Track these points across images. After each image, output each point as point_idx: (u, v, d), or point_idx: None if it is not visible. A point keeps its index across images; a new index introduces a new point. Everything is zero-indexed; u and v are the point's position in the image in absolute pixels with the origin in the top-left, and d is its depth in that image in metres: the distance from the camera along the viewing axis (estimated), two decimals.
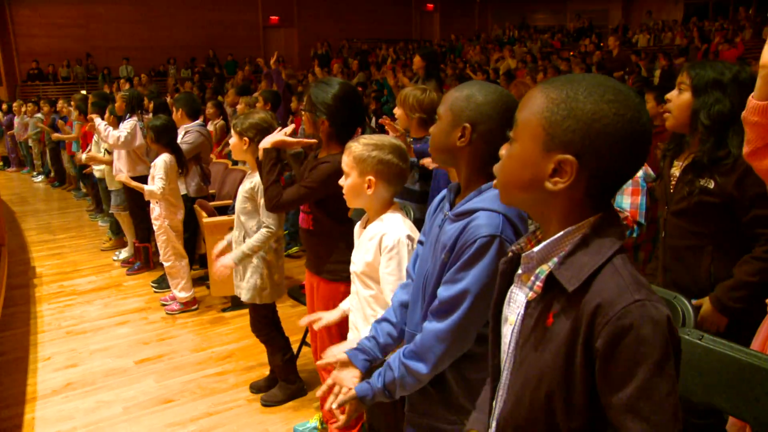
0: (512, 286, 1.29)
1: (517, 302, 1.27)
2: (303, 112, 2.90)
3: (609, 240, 1.12)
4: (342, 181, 2.32)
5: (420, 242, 1.98)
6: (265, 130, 3.20)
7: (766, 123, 1.57)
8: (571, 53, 15.79)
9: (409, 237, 2.22)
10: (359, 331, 2.38)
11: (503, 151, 1.21)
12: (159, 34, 21.11)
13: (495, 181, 1.24)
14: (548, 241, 1.17)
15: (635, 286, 1.07)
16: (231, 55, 21.23)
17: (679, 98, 2.24)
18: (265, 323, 3.58)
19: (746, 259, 2.16)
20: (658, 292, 2.16)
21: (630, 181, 2.81)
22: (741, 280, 2.14)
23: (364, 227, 2.38)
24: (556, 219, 1.17)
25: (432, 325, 1.71)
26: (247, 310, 4.60)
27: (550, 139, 1.11)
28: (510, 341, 1.27)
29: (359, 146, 2.26)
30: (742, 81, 2.16)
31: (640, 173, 2.82)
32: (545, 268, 1.16)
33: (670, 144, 2.38)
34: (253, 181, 3.35)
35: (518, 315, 1.24)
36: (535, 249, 1.18)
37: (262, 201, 3.25)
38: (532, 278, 1.19)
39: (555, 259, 1.15)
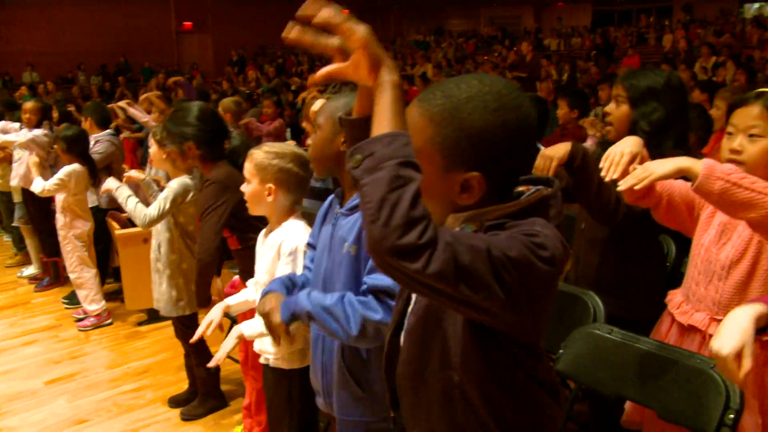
0: None
1: None
2: (166, 148, 2.95)
3: (537, 216, 1.12)
4: (244, 188, 2.34)
5: (312, 246, 2.01)
6: (174, 110, 3.20)
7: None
8: (485, 57, 16.13)
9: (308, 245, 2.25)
10: (264, 344, 2.40)
11: None
12: (67, 39, 20.26)
13: None
14: (477, 211, 1.15)
15: (545, 227, 1.07)
16: (147, 62, 20.57)
17: (618, 110, 2.31)
18: (191, 335, 3.49)
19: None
20: (568, 289, 2.24)
21: None
22: (598, 174, 2.01)
23: (267, 236, 2.40)
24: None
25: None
26: (164, 323, 4.52)
27: (448, 162, 1.11)
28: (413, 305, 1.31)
29: (261, 154, 2.30)
30: (673, 86, 2.25)
31: None
32: (472, 226, 1.14)
33: (606, 146, 2.44)
34: (170, 186, 3.30)
35: None
36: (462, 214, 1.16)
37: (162, 194, 3.27)
38: (457, 230, 1.18)
39: (481, 223, 1.13)
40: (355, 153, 1.01)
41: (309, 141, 1.94)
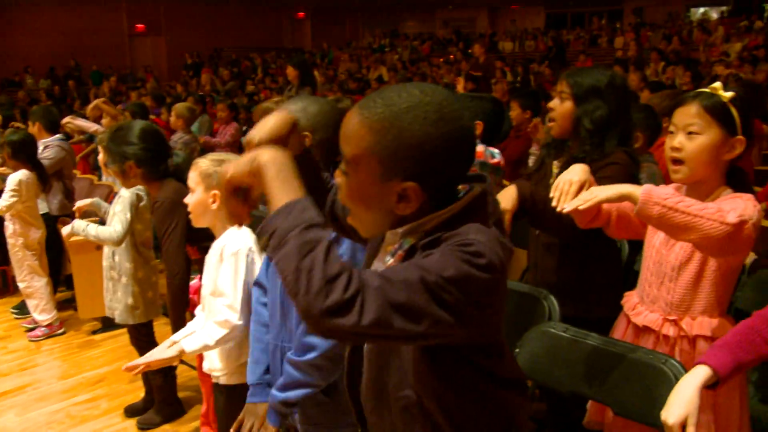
0: (375, 260, 1.31)
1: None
2: (109, 168, 2.96)
3: (475, 219, 1.12)
4: (188, 199, 2.33)
5: (261, 286, 2.07)
6: (115, 128, 3.13)
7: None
8: (441, 60, 16.24)
9: (251, 249, 2.26)
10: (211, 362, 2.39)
11: (339, 180, 1.20)
12: (13, 41, 19.76)
13: (348, 218, 1.23)
14: (413, 224, 1.16)
15: (481, 233, 1.08)
16: (100, 64, 20.14)
17: (561, 107, 2.32)
18: (147, 341, 3.45)
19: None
20: (523, 289, 2.27)
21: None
22: (546, 204, 2.06)
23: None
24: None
25: None
26: (119, 331, 4.43)
27: (387, 170, 1.11)
28: None
29: (206, 162, 2.31)
30: (617, 85, 2.28)
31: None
32: (411, 240, 1.17)
33: (551, 145, 2.46)
34: (121, 195, 3.26)
35: None
36: (400, 229, 1.19)
37: (117, 208, 3.23)
38: (395, 246, 1.20)
39: (420, 234, 1.15)
40: (261, 236, 1.02)
41: None
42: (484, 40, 18.11)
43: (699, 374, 1.51)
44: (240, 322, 2.21)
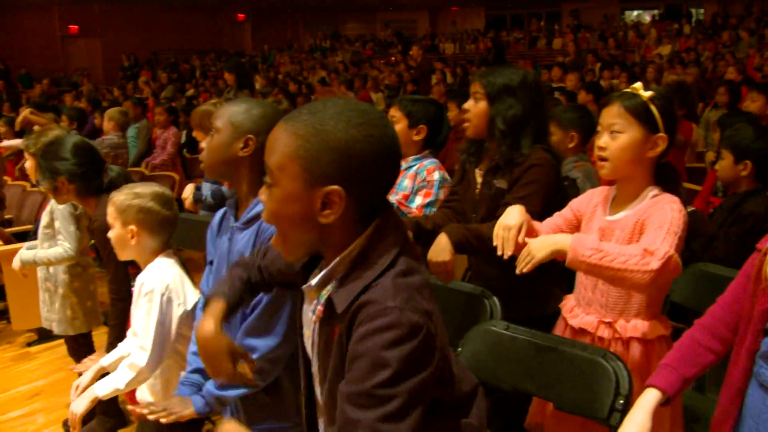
0: (304, 303, 1.33)
1: (307, 318, 1.30)
2: (40, 184, 2.86)
3: (385, 249, 1.15)
4: (110, 233, 2.26)
5: (210, 262, 2.01)
6: (47, 143, 3.03)
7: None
8: (382, 61, 16.29)
9: (168, 287, 2.20)
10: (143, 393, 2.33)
11: (263, 197, 1.21)
12: None
13: (274, 239, 1.23)
14: (323, 273, 1.20)
15: (397, 292, 1.10)
16: (30, 67, 19.43)
17: (476, 107, 2.35)
18: (86, 352, 3.35)
19: (492, 225, 2.14)
20: (465, 288, 2.28)
21: (426, 183, 2.92)
22: (482, 235, 2.16)
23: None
24: (332, 248, 1.19)
25: None
26: (56, 342, 4.30)
27: (310, 175, 1.12)
28: (312, 353, 1.30)
29: (121, 195, 2.23)
30: (529, 84, 2.31)
31: (436, 176, 2.92)
32: (325, 293, 1.20)
33: (469, 149, 2.48)
34: (55, 209, 3.17)
35: (312, 330, 1.28)
36: (313, 282, 1.21)
37: (57, 224, 3.12)
38: (315, 301, 1.23)
39: (334, 282, 1.18)
40: None
41: (203, 145, 1.90)
42: (424, 41, 18.26)
43: (649, 398, 1.57)
44: (148, 365, 2.14)
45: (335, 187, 1.11)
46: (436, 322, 1.15)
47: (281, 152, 1.14)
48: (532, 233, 1.95)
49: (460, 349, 2.02)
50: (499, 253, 1.88)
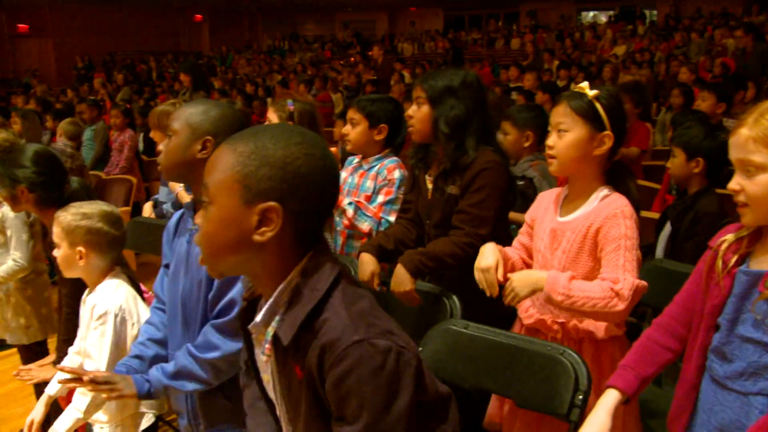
0: (255, 348, 1.32)
1: (261, 361, 1.30)
2: None
3: (321, 279, 1.15)
4: (55, 253, 2.21)
5: (165, 265, 1.98)
6: (7, 149, 2.97)
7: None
8: (341, 62, 16.25)
9: (121, 308, 2.17)
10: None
11: (199, 220, 1.19)
12: None
13: (201, 257, 1.21)
14: (266, 308, 1.18)
15: (354, 324, 1.10)
16: None
17: (419, 111, 2.34)
18: (40, 359, 3.28)
19: (447, 241, 2.26)
20: (424, 287, 2.29)
21: (387, 181, 2.91)
22: (438, 255, 2.23)
23: (85, 298, 2.29)
24: (269, 276, 1.18)
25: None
26: (8, 351, 4.18)
27: (248, 191, 1.11)
28: (275, 397, 1.30)
29: (68, 216, 2.18)
30: (470, 83, 2.31)
31: (397, 174, 2.91)
32: (270, 330, 1.18)
33: (417, 154, 2.47)
34: (6, 217, 3.09)
35: (270, 374, 1.28)
36: (258, 319, 1.20)
37: (9, 232, 3.05)
38: (264, 343, 1.21)
39: (277, 317, 1.17)
40: None
41: (160, 147, 1.87)
42: (383, 42, 18.28)
43: (609, 398, 1.61)
44: None
45: (273, 203, 1.10)
46: (399, 334, 1.16)
47: (220, 170, 1.13)
48: (507, 264, 2.05)
49: (420, 348, 2.02)
50: (488, 295, 1.99)
